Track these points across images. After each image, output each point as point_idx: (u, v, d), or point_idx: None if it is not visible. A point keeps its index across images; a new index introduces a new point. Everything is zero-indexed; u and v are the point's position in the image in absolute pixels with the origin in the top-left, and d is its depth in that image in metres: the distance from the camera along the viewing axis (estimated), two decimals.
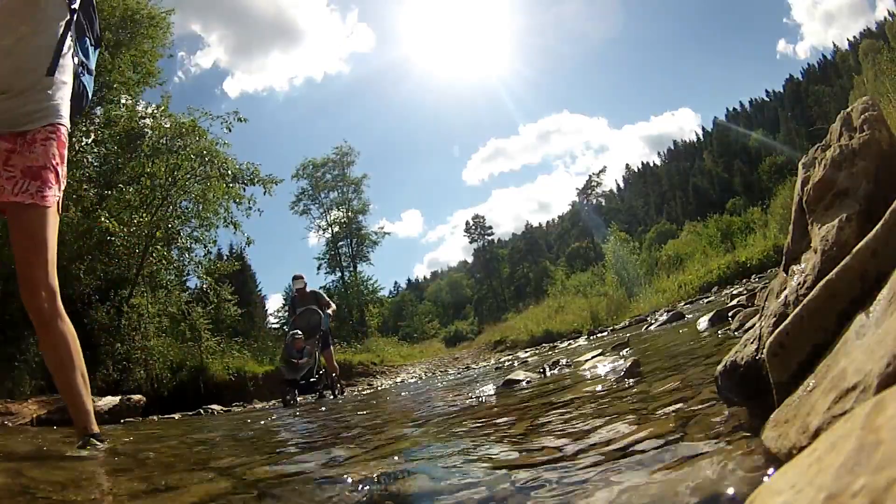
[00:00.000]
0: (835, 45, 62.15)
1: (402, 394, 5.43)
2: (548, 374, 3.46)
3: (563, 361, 3.78)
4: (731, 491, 0.76)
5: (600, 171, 55.07)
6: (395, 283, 68.49)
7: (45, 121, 1.93)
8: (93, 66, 2.25)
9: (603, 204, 52.20)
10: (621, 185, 74.16)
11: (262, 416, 4.32)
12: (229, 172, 12.31)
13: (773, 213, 19.87)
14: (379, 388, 9.96)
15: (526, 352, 11.84)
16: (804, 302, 0.94)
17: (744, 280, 13.45)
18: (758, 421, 0.99)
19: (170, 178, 11.78)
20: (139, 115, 12.35)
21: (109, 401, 5.76)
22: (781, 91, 64.45)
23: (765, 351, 1.01)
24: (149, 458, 1.98)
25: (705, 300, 11.04)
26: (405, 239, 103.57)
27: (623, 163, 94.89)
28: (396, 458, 1.48)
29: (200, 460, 1.87)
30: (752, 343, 1.19)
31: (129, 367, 10.10)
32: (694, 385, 1.65)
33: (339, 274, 29.71)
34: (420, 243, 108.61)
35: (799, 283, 1.07)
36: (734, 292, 8.43)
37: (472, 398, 2.87)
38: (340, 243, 30.17)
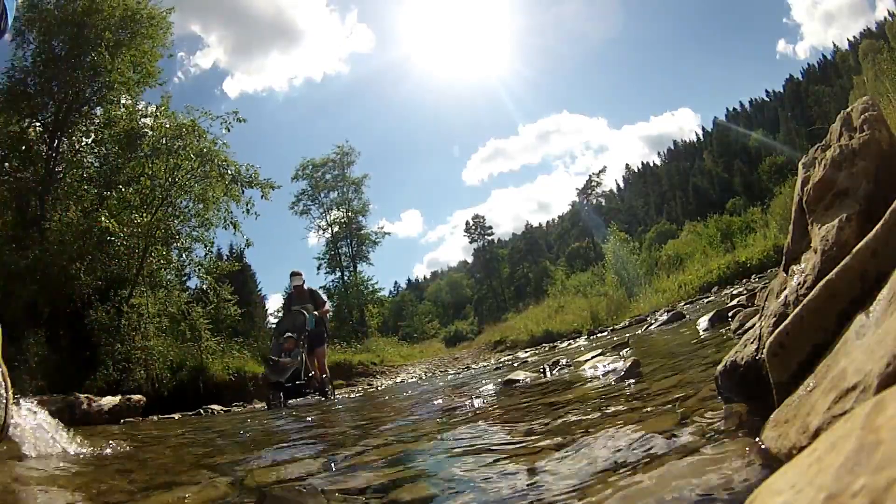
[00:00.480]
0: (835, 45, 62.19)
1: (406, 393, 5.43)
2: (548, 374, 3.46)
3: (564, 361, 3.77)
4: (731, 491, 0.76)
5: (600, 171, 55.03)
6: (395, 283, 68.52)
7: None
8: None
9: (603, 204, 52.14)
10: (621, 185, 74.20)
11: (262, 417, 4.32)
12: (229, 173, 12.32)
13: (773, 213, 19.87)
14: (379, 388, 9.95)
15: (526, 352, 11.84)
16: (804, 302, 0.94)
17: (744, 280, 13.44)
18: (758, 421, 0.99)
19: (170, 178, 11.78)
20: (139, 115, 12.36)
21: (109, 401, 5.76)
22: (781, 91, 64.47)
23: (765, 351, 1.01)
24: (149, 459, 1.98)
25: (705, 300, 11.04)
26: (405, 239, 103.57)
27: (623, 163, 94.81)
28: (396, 460, 1.48)
29: (200, 461, 1.87)
30: (752, 343, 1.19)
31: (129, 367, 10.09)
32: (694, 385, 1.65)
33: (339, 274, 29.69)
34: (420, 243, 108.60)
35: (799, 283, 1.07)
36: (734, 292, 8.43)
37: (472, 398, 2.87)
38: (340, 243, 30.15)
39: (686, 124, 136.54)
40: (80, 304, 10.15)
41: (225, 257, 21.36)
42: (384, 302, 32.07)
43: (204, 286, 13.31)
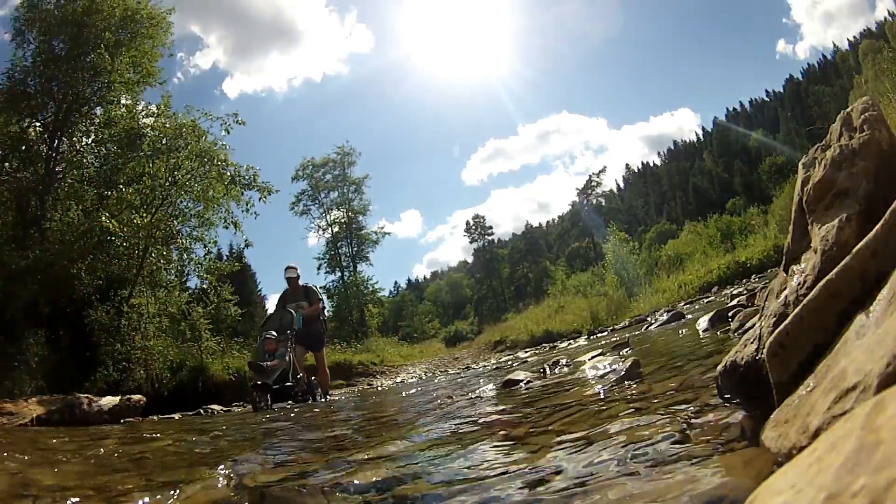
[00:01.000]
0: (835, 45, 62.24)
1: (402, 394, 5.43)
2: (548, 374, 3.46)
3: (563, 361, 3.77)
4: (730, 491, 0.76)
5: (600, 171, 54.99)
6: (395, 283, 68.56)
7: None
8: None
9: (603, 204, 52.12)
10: (621, 185, 74.27)
11: (261, 417, 4.32)
12: (228, 173, 12.32)
13: (773, 213, 19.86)
14: (379, 388, 9.95)
15: (526, 352, 11.84)
16: (804, 302, 0.94)
17: (744, 280, 13.43)
18: (758, 421, 0.99)
19: (170, 178, 11.78)
20: (139, 114, 12.36)
21: (109, 401, 5.76)
22: (781, 91, 64.52)
23: (765, 351, 1.01)
24: (148, 459, 1.98)
25: (705, 300, 11.04)
26: (404, 239, 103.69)
27: (622, 163, 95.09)
28: (396, 459, 1.48)
29: (200, 460, 1.87)
30: (752, 343, 1.19)
31: (129, 367, 10.09)
32: (694, 385, 1.65)
33: (339, 274, 29.71)
34: (419, 243, 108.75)
35: (799, 283, 1.07)
36: (734, 292, 8.43)
37: (471, 398, 2.86)
38: (340, 243, 30.16)
39: (686, 124, 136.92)
40: (80, 304, 10.15)
41: (225, 257, 21.36)
42: (384, 302, 32.06)
43: (204, 286, 13.31)
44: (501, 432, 1.65)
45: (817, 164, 1.20)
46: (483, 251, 54.20)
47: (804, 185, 1.22)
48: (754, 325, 1.36)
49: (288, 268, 7.06)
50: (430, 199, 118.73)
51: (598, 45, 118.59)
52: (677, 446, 1.05)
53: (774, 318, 1.10)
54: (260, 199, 12.72)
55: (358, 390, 11.16)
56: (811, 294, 0.94)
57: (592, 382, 2.38)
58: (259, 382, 5.61)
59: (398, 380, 13.13)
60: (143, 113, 12.52)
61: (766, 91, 68.49)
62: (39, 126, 11.63)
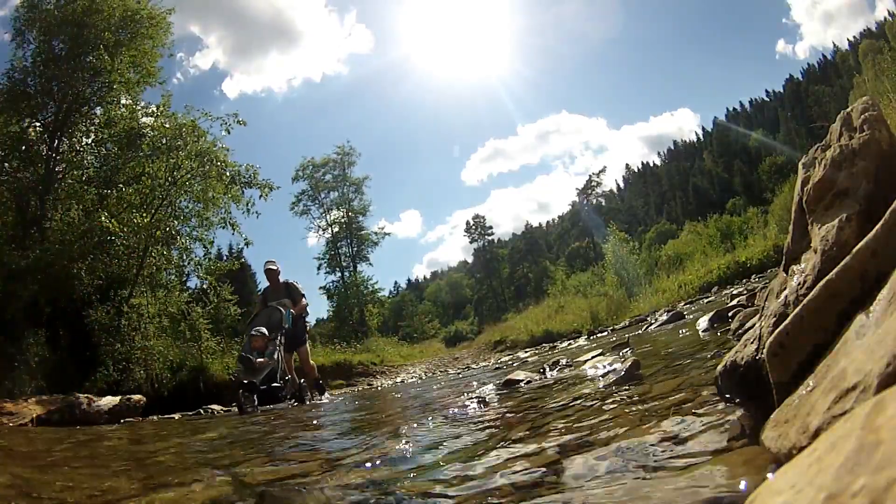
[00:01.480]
0: (835, 45, 62.27)
1: (409, 392, 5.43)
2: (548, 374, 3.46)
3: (564, 361, 3.77)
4: (730, 491, 0.76)
5: (600, 171, 54.96)
6: (395, 283, 68.60)
7: None
8: None
9: (603, 204, 52.10)
10: (621, 185, 74.31)
11: (262, 417, 4.32)
12: (227, 173, 12.32)
13: (773, 213, 19.86)
14: (378, 388, 9.95)
15: (526, 352, 11.84)
16: (804, 302, 0.94)
17: (744, 280, 13.43)
18: (758, 421, 0.99)
19: (169, 178, 11.78)
20: (140, 114, 12.36)
21: (109, 401, 5.77)
22: (781, 91, 64.54)
23: (765, 351, 1.01)
24: (148, 458, 1.98)
25: (705, 300, 11.04)
26: (404, 239, 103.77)
27: (621, 163, 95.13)
28: (396, 458, 1.48)
29: (200, 459, 1.87)
30: (752, 343, 1.19)
31: (129, 367, 10.09)
32: (694, 385, 1.65)
33: (339, 274, 29.71)
34: (419, 244, 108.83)
35: (799, 283, 1.07)
36: (734, 292, 8.42)
37: (471, 398, 2.86)
38: (340, 243, 30.17)
39: (686, 124, 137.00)
40: (80, 304, 10.15)
41: (224, 257, 21.38)
42: (384, 302, 32.04)
43: (204, 286, 13.31)
44: (501, 432, 1.65)
45: (817, 164, 1.20)
46: (483, 251, 54.20)
47: (804, 185, 1.22)
48: (754, 325, 1.36)
49: (267, 261, 6.65)
50: (429, 199, 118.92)
51: (598, 45, 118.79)
52: (677, 446, 1.05)
53: (774, 318, 1.10)
54: (261, 196, 12.71)
55: (358, 390, 11.16)
56: (811, 294, 0.94)
57: (592, 382, 2.37)
58: (246, 381, 5.18)
59: (398, 380, 13.12)
60: (143, 113, 12.53)
61: (766, 91, 68.63)
62: (39, 126, 11.63)
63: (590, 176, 52.13)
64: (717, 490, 0.77)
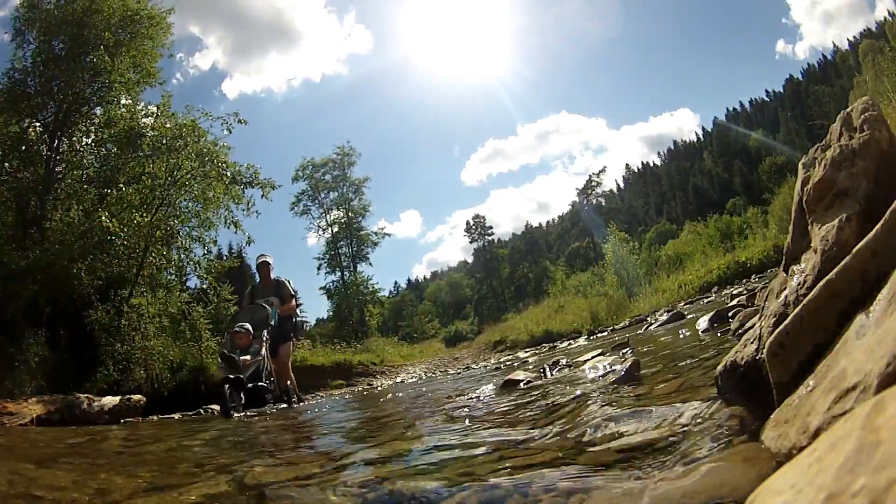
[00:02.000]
0: (835, 45, 62.28)
1: (409, 392, 5.43)
2: (548, 374, 3.46)
3: (564, 361, 3.77)
4: (730, 491, 0.76)
5: (600, 171, 54.96)
6: (395, 283, 68.64)
7: None
8: None
9: (603, 204, 52.09)
10: (621, 185, 74.33)
11: (262, 416, 4.32)
12: (228, 173, 12.32)
13: (773, 213, 19.87)
14: (378, 388, 9.96)
15: (526, 352, 11.84)
16: (804, 302, 0.94)
17: (744, 280, 13.44)
18: (758, 421, 0.99)
19: (170, 178, 11.78)
20: (139, 114, 12.36)
21: (109, 401, 5.77)
22: (781, 91, 64.57)
23: (765, 351, 1.01)
24: (149, 458, 1.98)
25: (705, 300, 11.04)
26: (404, 239, 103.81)
27: (621, 163, 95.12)
28: (395, 458, 1.48)
29: (201, 460, 1.87)
30: (752, 343, 1.19)
31: (129, 367, 10.09)
32: (694, 385, 1.65)
33: (339, 274, 29.73)
34: (419, 244, 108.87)
35: (799, 283, 1.07)
36: (734, 292, 8.43)
37: (472, 398, 2.87)
38: (340, 243, 30.20)
39: (685, 124, 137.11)
40: (80, 303, 10.15)
41: (224, 257, 21.37)
42: (384, 302, 32.08)
43: (204, 286, 13.31)
44: (501, 432, 1.65)
45: (817, 164, 1.20)
46: (483, 251, 54.20)
47: (804, 185, 1.22)
48: (754, 325, 1.36)
49: (261, 255, 6.27)
50: (429, 199, 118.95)
51: (598, 45, 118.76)
52: (677, 445, 1.05)
53: (774, 318, 1.10)
54: (262, 195, 12.71)
55: (358, 390, 11.16)
56: (811, 294, 0.94)
57: (593, 382, 2.38)
58: (231, 377, 4.68)
59: (398, 380, 13.13)
60: (143, 113, 12.53)
61: (766, 91, 68.67)
62: (39, 126, 11.63)
63: (590, 176, 52.17)
64: (716, 490, 0.77)
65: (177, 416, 7.17)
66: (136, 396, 6.33)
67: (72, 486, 1.32)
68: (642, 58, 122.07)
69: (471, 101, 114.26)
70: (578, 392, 2.14)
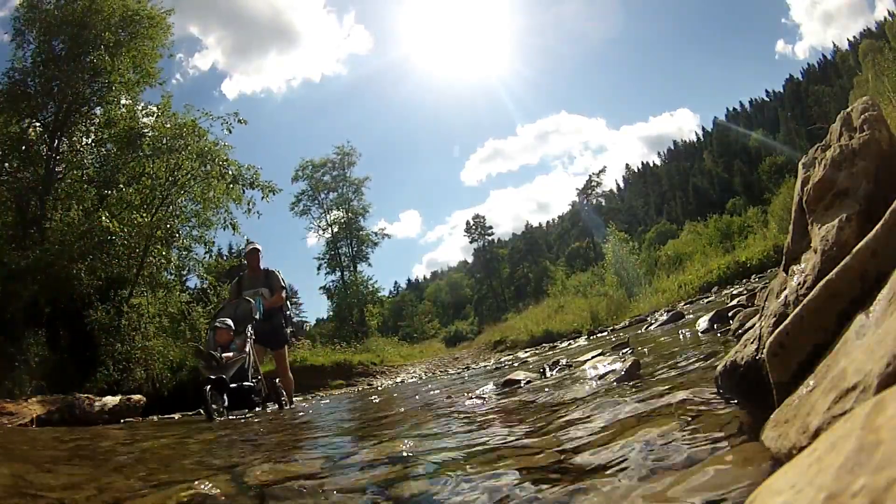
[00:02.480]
0: (835, 45, 62.27)
1: (408, 392, 5.43)
2: (548, 374, 3.46)
3: (563, 361, 3.78)
4: (730, 491, 0.76)
5: (600, 171, 54.97)
6: (395, 283, 68.61)
7: None
8: None
9: (603, 204, 52.09)
10: (621, 185, 74.33)
11: (262, 416, 4.32)
12: (229, 173, 12.34)
13: (772, 213, 19.88)
14: (378, 388, 9.96)
15: (526, 352, 11.84)
16: (804, 302, 0.94)
17: (744, 280, 13.45)
18: (758, 421, 0.99)
19: (170, 178, 11.79)
20: (139, 114, 12.38)
21: (109, 401, 5.78)
22: (781, 91, 64.58)
23: (765, 351, 1.01)
24: (149, 458, 1.98)
25: (705, 300, 11.04)
26: (404, 239, 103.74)
27: (621, 163, 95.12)
28: (396, 459, 1.48)
29: (201, 460, 1.87)
30: (752, 343, 1.19)
31: (129, 367, 10.10)
32: (694, 385, 1.65)
33: (339, 274, 29.74)
34: (419, 244, 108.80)
35: (799, 283, 1.07)
36: (734, 292, 8.43)
37: (472, 398, 2.87)
38: (340, 243, 30.22)
39: (685, 124, 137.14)
40: (80, 304, 10.16)
41: (224, 258, 21.37)
42: (384, 302, 32.09)
43: (204, 286, 13.32)
44: (500, 433, 1.65)
45: (817, 164, 1.20)
46: (483, 251, 54.21)
47: (804, 185, 1.22)
48: (754, 325, 1.36)
49: (250, 242, 5.86)
50: (429, 199, 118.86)
51: (598, 45, 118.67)
52: (676, 445, 1.05)
53: (774, 318, 1.10)
54: (263, 197, 12.74)
55: (358, 390, 11.16)
56: (811, 294, 0.94)
57: (593, 382, 2.38)
58: (213, 377, 4.26)
59: (398, 380, 13.13)
60: (143, 113, 12.55)
61: (766, 91, 68.68)
62: (39, 126, 11.65)
63: (590, 176, 52.18)
64: (716, 490, 0.77)
65: (177, 415, 7.17)
66: (136, 396, 6.34)
67: (72, 486, 1.32)
68: (642, 58, 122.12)
69: (471, 101, 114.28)
70: (579, 392, 2.14)
